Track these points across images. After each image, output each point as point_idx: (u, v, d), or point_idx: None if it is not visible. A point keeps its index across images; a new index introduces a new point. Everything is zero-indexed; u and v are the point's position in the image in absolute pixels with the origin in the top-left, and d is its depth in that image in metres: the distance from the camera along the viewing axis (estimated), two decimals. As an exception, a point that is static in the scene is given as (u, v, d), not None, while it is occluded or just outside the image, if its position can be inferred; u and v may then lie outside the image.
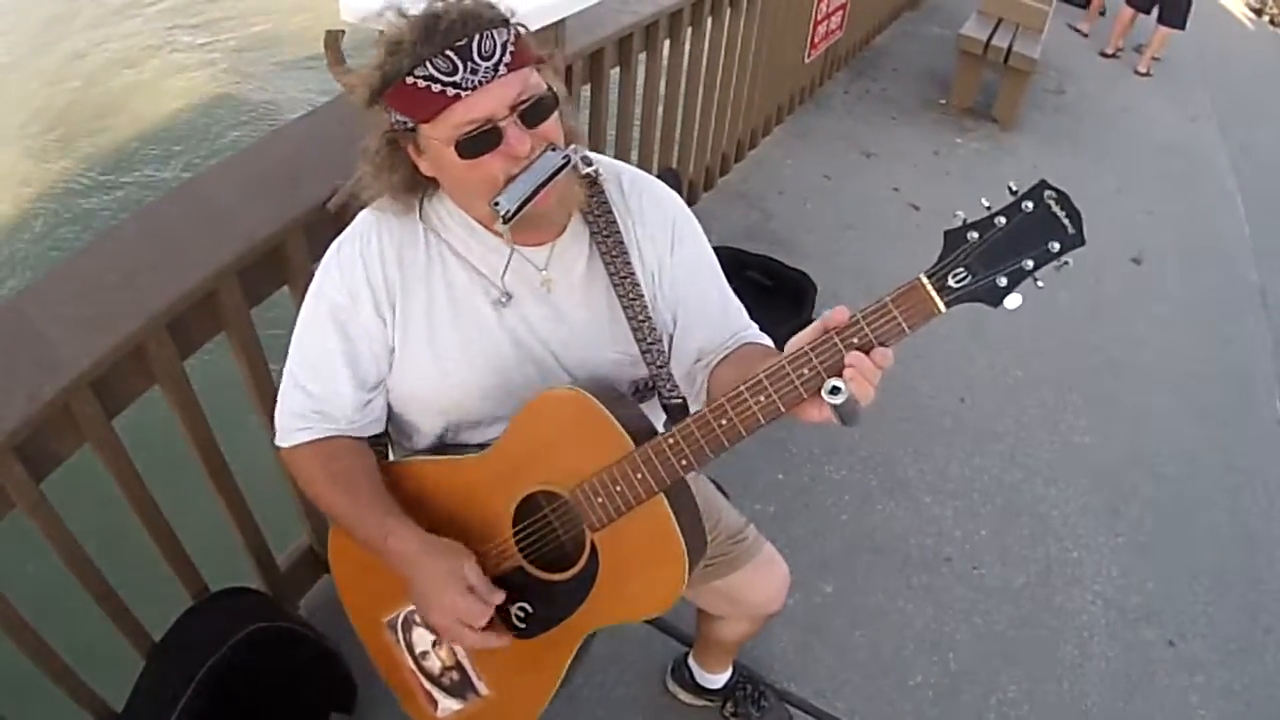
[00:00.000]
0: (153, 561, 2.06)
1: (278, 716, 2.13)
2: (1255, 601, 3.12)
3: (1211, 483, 3.61)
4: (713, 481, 1.95)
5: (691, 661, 2.40)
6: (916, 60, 7.24)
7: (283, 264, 1.96)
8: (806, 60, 5.53)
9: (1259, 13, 13.59)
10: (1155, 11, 8.16)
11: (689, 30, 3.85)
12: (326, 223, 1.49)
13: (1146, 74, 8.20)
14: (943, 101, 6.54)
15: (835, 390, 1.12)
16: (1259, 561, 3.28)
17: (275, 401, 1.52)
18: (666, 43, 3.72)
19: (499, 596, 1.40)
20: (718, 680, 2.39)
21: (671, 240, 1.52)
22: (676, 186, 4.00)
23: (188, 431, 1.96)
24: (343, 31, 1.87)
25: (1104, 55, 8.41)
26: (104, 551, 1.90)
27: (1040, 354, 4.13)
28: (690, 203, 4.37)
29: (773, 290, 3.65)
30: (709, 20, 4.02)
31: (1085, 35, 8.37)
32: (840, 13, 5.71)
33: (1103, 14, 9.12)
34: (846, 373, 1.11)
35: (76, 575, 1.82)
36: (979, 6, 6.73)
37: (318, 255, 1.46)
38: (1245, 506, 3.52)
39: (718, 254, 1.62)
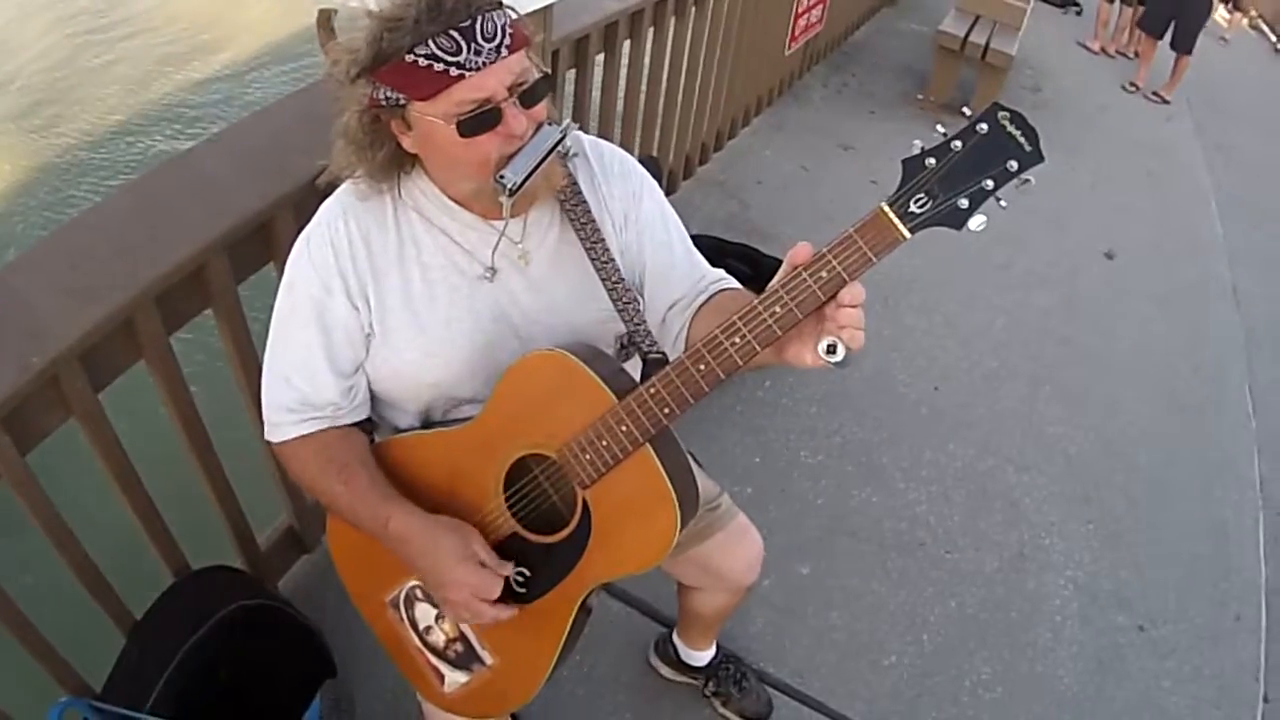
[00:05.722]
0: (134, 539, 2.06)
1: (258, 694, 2.12)
2: (1226, 590, 3.17)
3: (1183, 473, 3.66)
4: (688, 452, 1.97)
5: (676, 638, 2.42)
6: (894, 55, 7.28)
7: (270, 240, 1.96)
8: (787, 52, 5.56)
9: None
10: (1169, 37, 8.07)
11: (673, 19, 3.87)
12: (315, 200, 1.50)
13: (1168, 101, 8.06)
14: (920, 96, 6.58)
15: (832, 349, 1.13)
16: (1230, 551, 3.33)
17: (260, 378, 1.52)
18: (651, 30, 3.74)
19: (508, 568, 1.43)
20: (701, 658, 2.42)
21: (637, 192, 1.57)
22: (657, 174, 4.05)
23: (172, 407, 1.97)
24: (334, 10, 1.87)
25: (1131, 87, 8.22)
26: (85, 528, 1.90)
27: (1013, 345, 4.18)
28: (669, 191, 4.45)
29: (753, 279, 3.67)
30: (693, 9, 4.04)
31: (1139, 88, 8.29)
32: (821, 6, 5.74)
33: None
34: (843, 333, 1.12)
35: (59, 550, 1.82)
36: (957, 3, 6.79)
37: (305, 232, 1.48)
38: (1217, 497, 3.57)
39: (698, 241, 1.65)
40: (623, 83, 3.71)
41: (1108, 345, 4.38)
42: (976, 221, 1.09)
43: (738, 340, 1.18)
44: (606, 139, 3.59)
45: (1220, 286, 5.21)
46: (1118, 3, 8.80)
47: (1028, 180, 1.08)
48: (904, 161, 1.10)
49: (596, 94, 3.51)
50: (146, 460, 2.02)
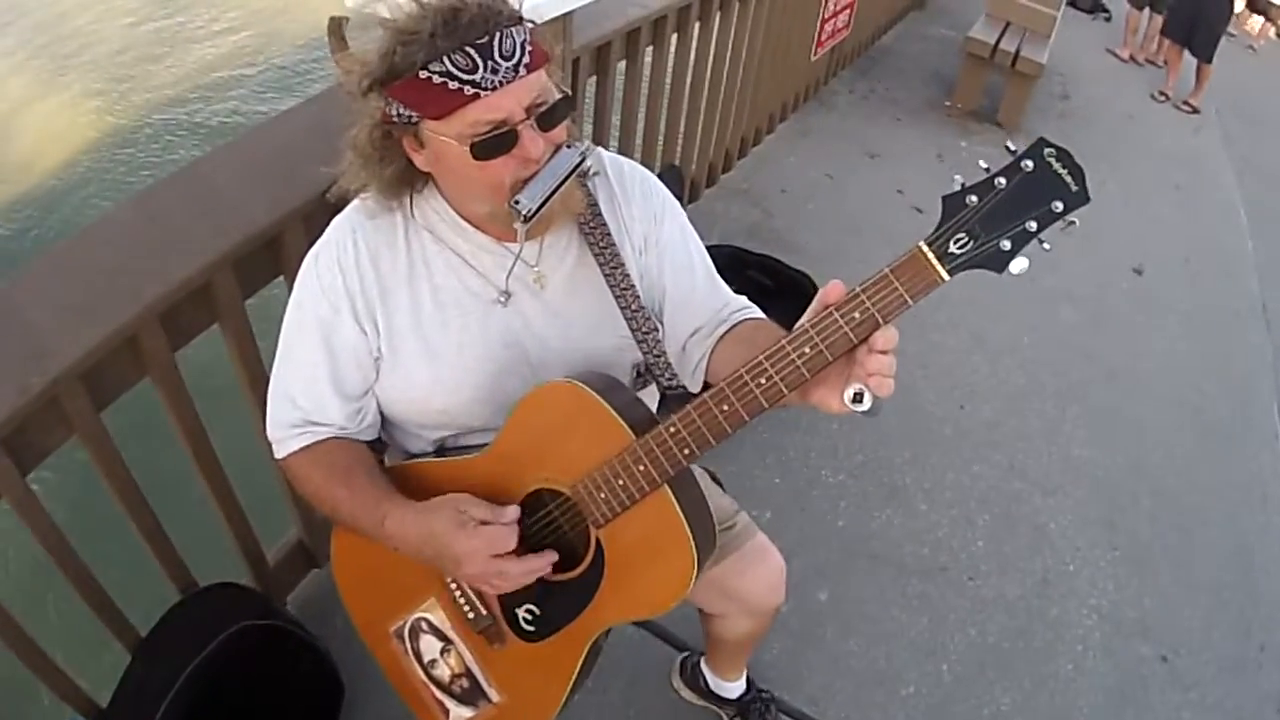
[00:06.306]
0: (142, 555, 2.02)
1: (264, 715, 2.10)
2: (1251, 618, 3.10)
3: (1210, 497, 3.58)
4: (706, 470, 1.91)
5: (705, 667, 2.35)
6: (922, 61, 7.21)
7: (279, 254, 1.91)
8: (813, 58, 5.50)
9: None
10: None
11: (697, 25, 3.81)
12: (325, 213, 1.45)
13: (1197, 110, 7.94)
14: (947, 104, 6.51)
15: (858, 398, 1.09)
16: (1255, 578, 3.27)
17: (267, 394, 1.48)
18: (675, 36, 3.68)
19: (513, 512, 1.34)
20: (733, 690, 2.34)
21: (658, 214, 1.52)
22: (679, 183, 4.02)
23: (178, 424, 1.92)
24: (346, 18, 1.83)
25: (1160, 96, 8.14)
26: (91, 544, 1.87)
27: (1041, 363, 4.10)
28: (692, 199, 4.42)
29: (774, 291, 3.61)
30: (717, 15, 3.98)
31: (1168, 98, 8.12)
32: (848, 11, 5.67)
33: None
34: (871, 380, 1.08)
35: (61, 569, 1.78)
36: (987, 9, 6.71)
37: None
38: (1243, 522, 3.50)
39: (718, 252, 1.60)
40: (645, 90, 3.64)
41: (1136, 363, 4.30)
42: (1019, 265, 1.05)
43: (764, 381, 1.14)
44: (628, 147, 3.60)
45: (1250, 303, 5.14)
46: (1147, 10, 8.71)
47: (1073, 222, 1.03)
48: (944, 198, 1.05)
49: (618, 102, 3.45)
50: (155, 473, 1.99)
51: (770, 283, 3.65)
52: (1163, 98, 8.02)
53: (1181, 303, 4.91)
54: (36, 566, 1.79)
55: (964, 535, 3.13)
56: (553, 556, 1.37)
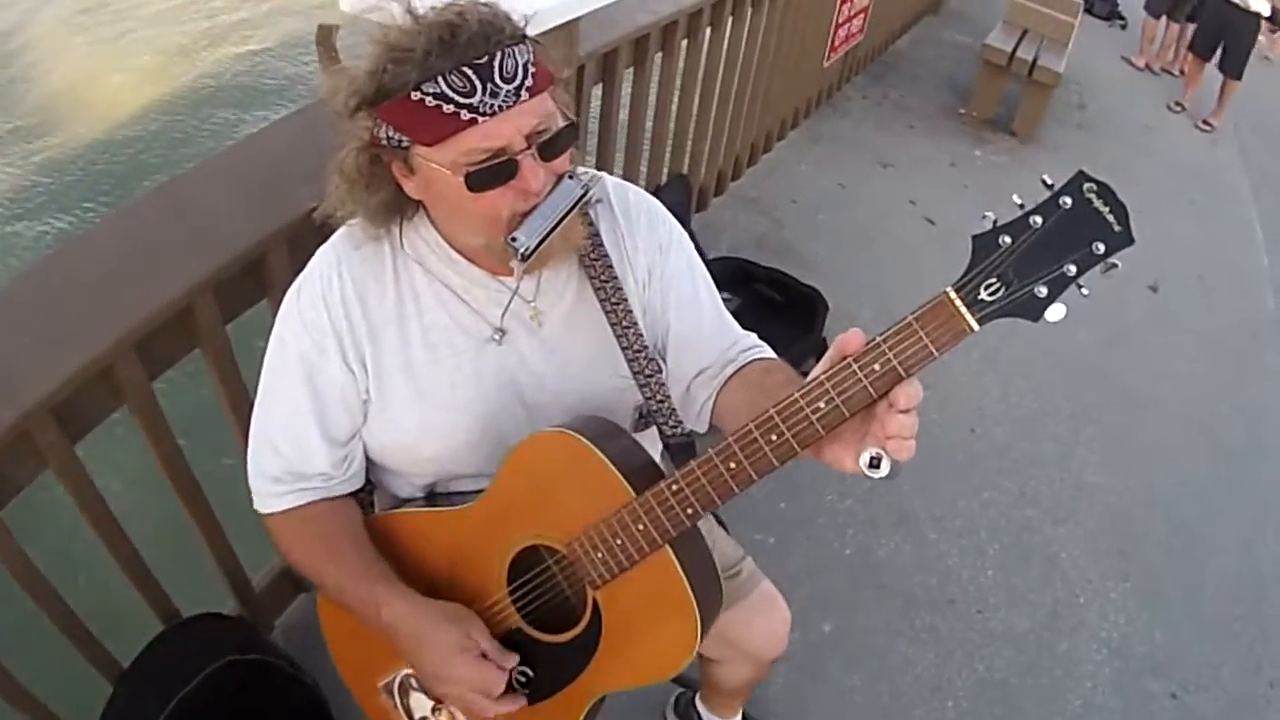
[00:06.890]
0: (124, 583, 1.95)
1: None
2: (1262, 654, 3.03)
3: (1224, 525, 3.50)
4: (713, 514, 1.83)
5: (699, 704, 2.26)
6: (936, 67, 7.11)
7: (262, 277, 1.83)
8: (825, 64, 5.41)
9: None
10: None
11: (708, 30, 3.73)
12: (311, 234, 1.36)
13: (1212, 128, 7.80)
14: (962, 111, 6.42)
15: (875, 462, 1.01)
16: (1267, 611, 3.19)
17: (250, 419, 1.39)
18: (684, 42, 3.59)
19: (512, 660, 1.29)
20: None
21: (664, 244, 1.43)
22: (687, 192, 3.93)
23: (156, 452, 1.85)
24: (337, 27, 1.75)
25: (1176, 107, 8.02)
26: (71, 573, 1.80)
27: (1055, 383, 4.01)
28: (700, 208, 4.34)
29: (782, 306, 3.53)
30: (729, 20, 3.89)
31: (1185, 108, 8.00)
32: (862, 16, 5.58)
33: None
34: (890, 444, 0.99)
35: (36, 602, 1.71)
36: (1004, 16, 6.62)
37: (300, 268, 1.34)
38: (1257, 551, 3.43)
39: (725, 264, 1.51)
40: (653, 97, 3.56)
41: (1151, 384, 4.22)
42: (1055, 313, 0.95)
43: (775, 438, 1.05)
44: (634, 155, 3.50)
45: (1266, 321, 5.06)
46: (1164, 18, 8.60)
47: (1114, 264, 0.93)
48: (974, 238, 0.96)
49: (625, 110, 3.36)
50: (137, 499, 1.91)
51: (778, 297, 3.57)
52: (1179, 108, 7.92)
53: (1197, 322, 4.83)
54: (7, 595, 1.72)
55: (974, 565, 3.05)
56: (521, 701, 1.34)
